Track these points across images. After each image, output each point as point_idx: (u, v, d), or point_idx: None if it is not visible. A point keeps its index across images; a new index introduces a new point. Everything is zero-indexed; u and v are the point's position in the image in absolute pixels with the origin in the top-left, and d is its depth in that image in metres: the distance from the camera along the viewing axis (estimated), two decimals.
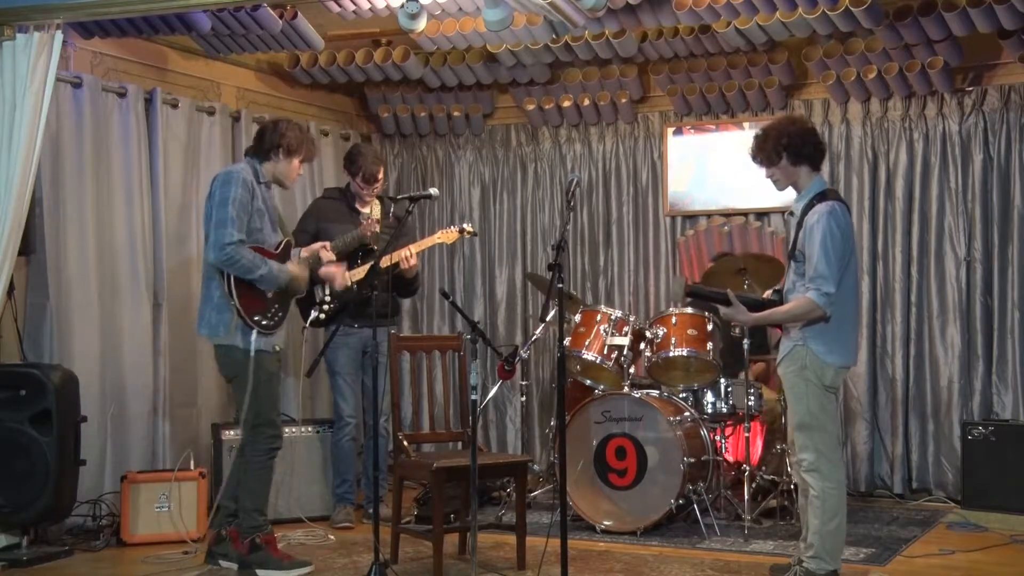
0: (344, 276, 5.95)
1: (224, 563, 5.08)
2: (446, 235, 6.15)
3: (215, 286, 4.98)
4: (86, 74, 5.90)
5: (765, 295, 4.85)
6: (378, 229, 5.84)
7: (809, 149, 4.60)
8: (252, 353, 4.92)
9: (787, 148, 4.56)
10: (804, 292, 4.47)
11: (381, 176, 6.21)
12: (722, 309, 4.68)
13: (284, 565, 4.96)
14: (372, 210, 6.26)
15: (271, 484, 5.17)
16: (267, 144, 5.13)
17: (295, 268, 5.14)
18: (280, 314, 5.11)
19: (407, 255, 6.00)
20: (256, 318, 4.97)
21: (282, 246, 5.16)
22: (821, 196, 4.56)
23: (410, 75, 7.20)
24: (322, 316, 6.06)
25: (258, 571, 4.93)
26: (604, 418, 5.85)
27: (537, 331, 5.10)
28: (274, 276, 4.99)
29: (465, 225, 6.24)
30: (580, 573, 4.97)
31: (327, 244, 5.49)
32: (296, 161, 5.17)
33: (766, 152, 4.61)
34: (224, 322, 4.96)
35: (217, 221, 4.92)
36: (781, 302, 4.62)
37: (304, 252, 5.32)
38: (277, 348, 5.17)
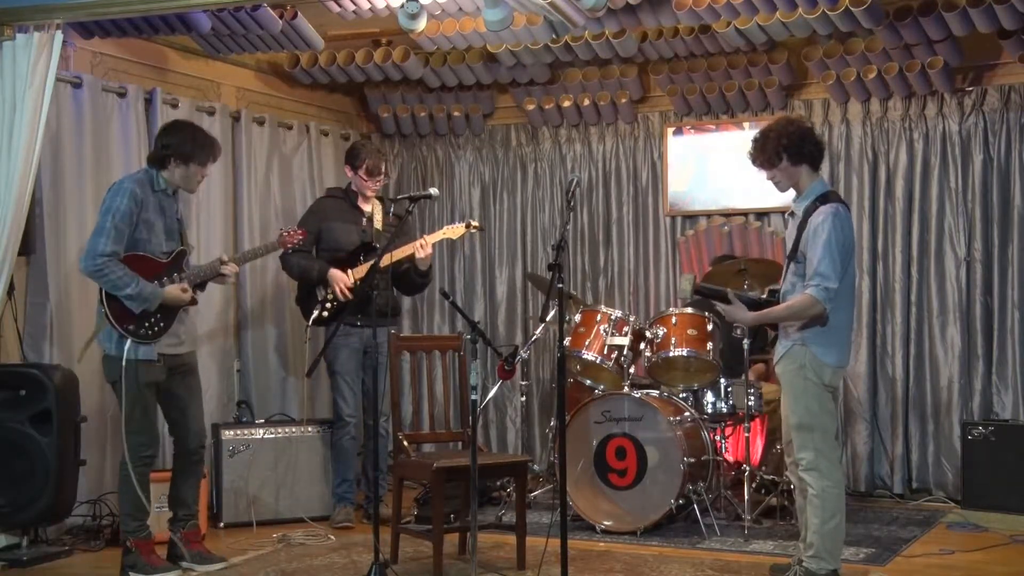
0: (345, 279, 5.97)
1: (185, 564, 5.12)
2: (453, 230, 6.16)
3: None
4: (86, 74, 5.90)
5: (762, 295, 4.84)
6: (297, 242, 5.61)
7: (809, 148, 4.60)
8: (123, 362, 4.88)
9: (787, 149, 4.57)
10: (803, 291, 4.48)
11: (384, 169, 6.23)
12: (722, 307, 4.69)
13: (149, 569, 4.96)
14: (374, 210, 6.27)
15: (143, 491, 5.05)
16: (159, 152, 5.04)
17: (171, 290, 5.00)
18: (162, 323, 5.00)
19: (422, 243, 6.00)
20: (130, 327, 4.92)
21: (174, 255, 5.07)
22: (824, 198, 4.56)
23: (410, 75, 7.20)
24: (324, 314, 6.06)
25: (131, 572, 4.97)
26: (604, 418, 5.85)
27: (537, 331, 5.10)
28: (143, 297, 4.89)
29: (471, 220, 6.25)
30: (580, 573, 4.97)
31: (223, 257, 5.32)
32: (194, 167, 5.05)
33: (766, 154, 4.62)
34: (105, 330, 4.94)
35: (95, 230, 4.89)
36: (778, 302, 4.63)
37: (205, 267, 5.24)
38: (177, 353, 5.10)
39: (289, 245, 5.59)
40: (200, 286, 5.20)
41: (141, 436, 5.01)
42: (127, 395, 4.93)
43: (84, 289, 5.82)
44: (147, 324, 4.96)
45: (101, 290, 4.91)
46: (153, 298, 4.94)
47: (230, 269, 5.28)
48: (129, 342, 4.91)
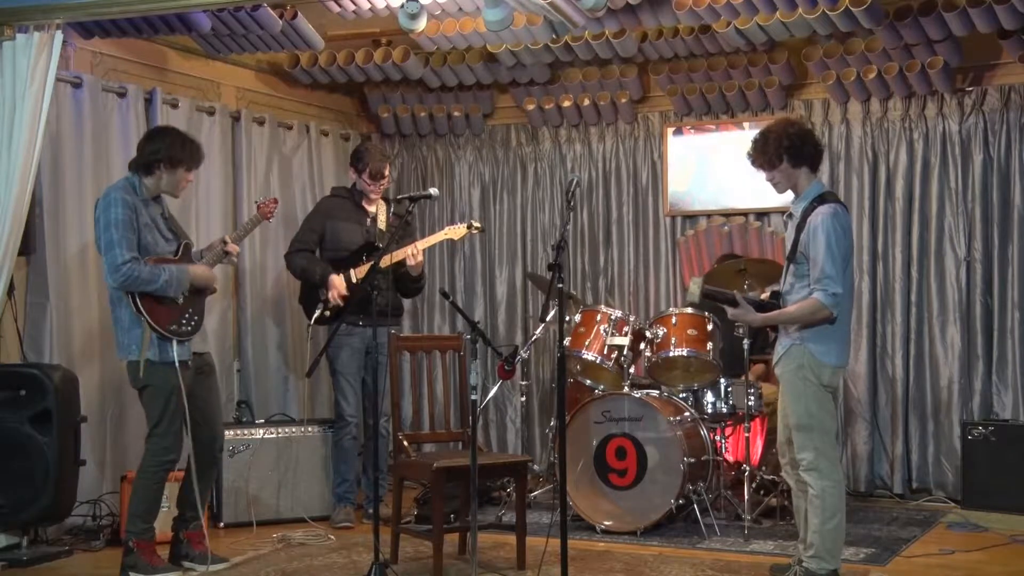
0: (342, 287, 5.98)
1: (187, 564, 5.12)
2: (454, 231, 6.17)
3: (122, 308, 4.92)
4: (86, 74, 5.90)
5: (763, 295, 4.85)
6: (274, 210, 5.58)
7: (809, 150, 4.61)
8: (176, 364, 4.88)
9: (788, 150, 4.57)
10: (807, 293, 4.48)
11: (387, 172, 6.25)
12: (729, 310, 4.69)
13: (150, 569, 4.96)
14: (378, 210, 6.27)
15: (160, 495, 5.08)
16: (147, 158, 5.01)
17: (197, 267, 5.08)
18: (196, 318, 5.04)
19: (413, 252, 6.01)
20: (172, 328, 4.92)
21: (181, 249, 5.09)
22: (821, 199, 4.57)
23: (410, 75, 7.20)
24: (327, 313, 6.07)
25: (131, 573, 4.96)
26: (604, 418, 5.85)
27: (537, 331, 5.10)
28: (176, 279, 4.92)
29: (473, 220, 6.25)
30: (580, 573, 4.97)
31: (227, 236, 5.36)
32: (181, 171, 5.04)
33: (767, 155, 4.62)
34: (135, 339, 4.90)
35: (106, 245, 4.87)
36: (779, 303, 4.63)
37: (205, 251, 5.27)
38: (201, 352, 5.13)
39: (268, 213, 5.54)
40: None
41: (167, 440, 5.00)
42: (167, 399, 4.92)
43: (84, 289, 5.83)
44: (184, 320, 4.98)
45: (135, 300, 4.87)
46: (183, 276, 4.97)
47: (233, 249, 5.31)
48: (174, 343, 4.90)
